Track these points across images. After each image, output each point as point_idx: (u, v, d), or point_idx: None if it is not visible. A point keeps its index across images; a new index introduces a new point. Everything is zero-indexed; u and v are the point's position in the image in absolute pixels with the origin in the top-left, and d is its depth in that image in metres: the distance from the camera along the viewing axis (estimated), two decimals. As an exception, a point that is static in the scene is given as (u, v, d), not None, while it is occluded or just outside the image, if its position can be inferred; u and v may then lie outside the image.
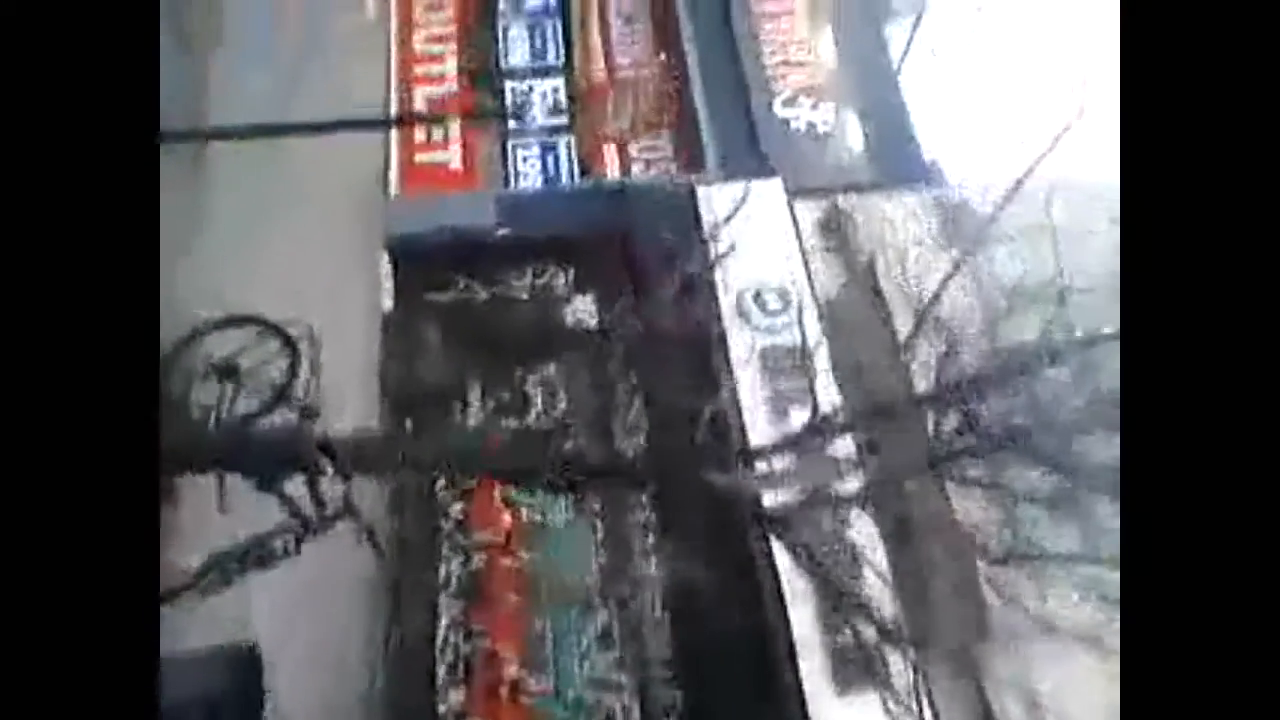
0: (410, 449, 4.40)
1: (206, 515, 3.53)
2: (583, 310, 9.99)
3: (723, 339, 7.76)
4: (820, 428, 4.46)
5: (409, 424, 9.07)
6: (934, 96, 11.78)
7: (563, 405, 9.51)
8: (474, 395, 9.59)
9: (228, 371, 4.82)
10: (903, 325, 7.54)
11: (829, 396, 6.48)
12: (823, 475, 4.78)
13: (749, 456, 5.24)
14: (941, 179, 10.81)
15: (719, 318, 7.54)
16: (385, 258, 10.19)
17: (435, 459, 4.53)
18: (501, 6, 12.79)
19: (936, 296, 4.76)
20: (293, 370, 4.88)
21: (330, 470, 4.25)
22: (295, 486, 4.31)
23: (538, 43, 12.60)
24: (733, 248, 6.67)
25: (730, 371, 7.49)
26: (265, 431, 4.54)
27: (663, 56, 12.53)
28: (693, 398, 5.13)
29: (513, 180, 11.56)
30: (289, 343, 4.94)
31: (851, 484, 5.07)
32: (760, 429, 7.33)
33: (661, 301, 5.35)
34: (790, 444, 4.87)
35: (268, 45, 7.57)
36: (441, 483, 8.82)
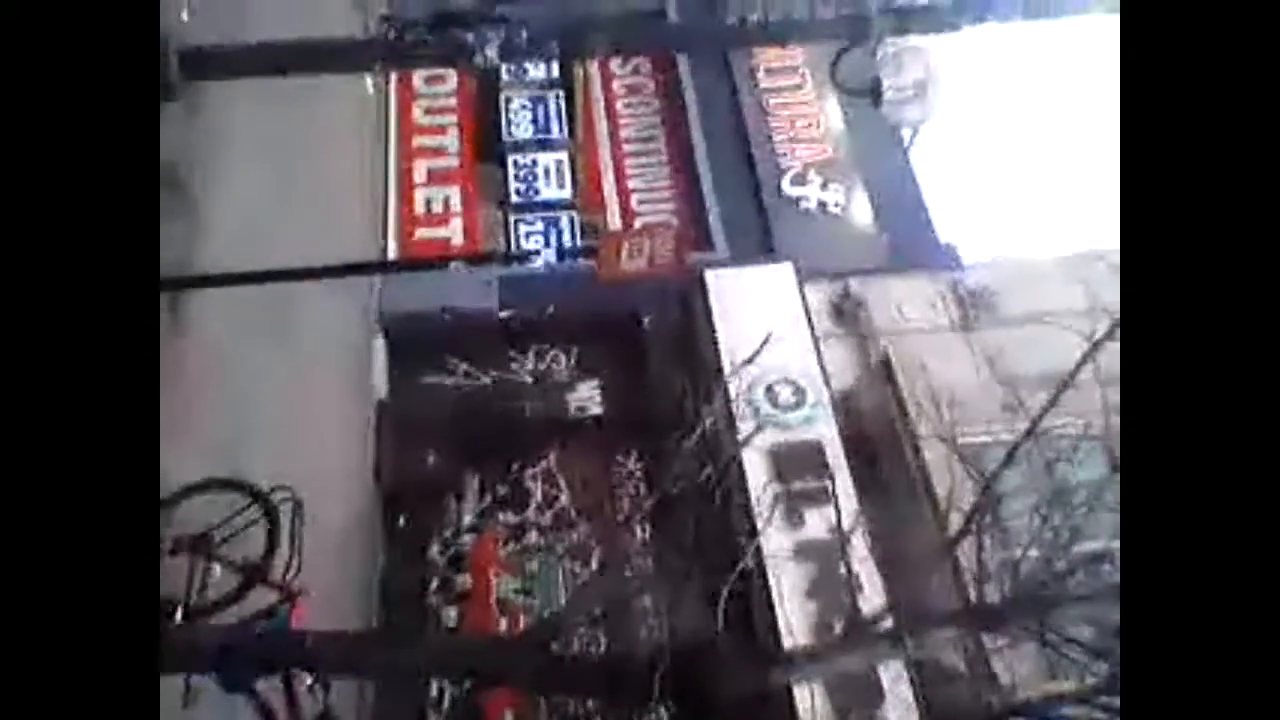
0: (397, 654, 3.95)
1: (168, 712, 3.11)
2: (586, 397, 9.59)
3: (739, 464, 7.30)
4: (861, 628, 4.00)
5: (401, 520, 8.63)
6: (948, 175, 11.53)
7: (563, 500, 9.09)
8: (470, 488, 9.17)
9: (199, 546, 4.39)
10: (932, 459, 7.11)
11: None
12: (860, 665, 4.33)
13: (779, 657, 4.75)
14: (957, 262, 10.51)
15: (732, 422, 7.08)
16: (381, 340, 9.84)
17: (423, 663, 4.07)
18: (505, 78, 12.60)
19: (986, 488, 4.28)
20: (272, 543, 4.46)
21: (308, 679, 3.83)
22: (269, 685, 3.87)
23: (540, 116, 12.39)
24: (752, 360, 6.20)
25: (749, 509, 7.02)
26: (237, 632, 4.10)
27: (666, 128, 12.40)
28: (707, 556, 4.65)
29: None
30: (269, 511, 4.52)
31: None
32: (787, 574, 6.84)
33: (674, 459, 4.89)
34: (830, 647, 4.41)
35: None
36: (434, 585, 8.36)
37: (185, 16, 4.83)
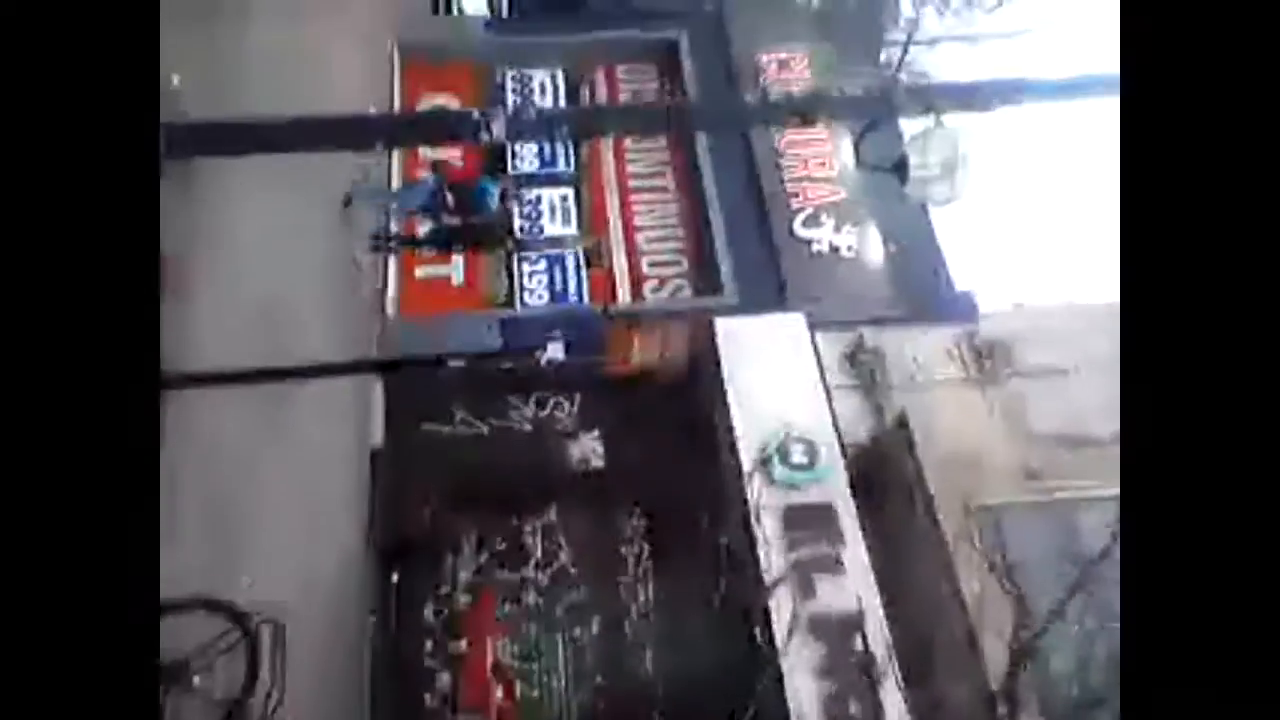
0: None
1: None
2: (588, 449, 9.29)
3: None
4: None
5: (395, 577, 8.32)
6: (963, 219, 11.27)
7: (563, 557, 8.79)
8: (468, 542, 8.86)
9: (175, 674, 4.09)
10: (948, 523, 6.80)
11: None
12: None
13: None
14: (973, 309, 10.22)
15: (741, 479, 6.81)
16: (379, 387, 9.54)
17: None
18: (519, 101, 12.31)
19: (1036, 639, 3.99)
20: (252, 673, 4.17)
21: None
22: None
23: (546, 151, 12.13)
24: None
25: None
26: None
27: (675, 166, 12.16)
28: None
29: (518, 297, 10.97)
30: (248, 635, 4.23)
31: None
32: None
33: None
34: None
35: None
36: (428, 648, 8.06)
37: (175, 82, 4.57)
